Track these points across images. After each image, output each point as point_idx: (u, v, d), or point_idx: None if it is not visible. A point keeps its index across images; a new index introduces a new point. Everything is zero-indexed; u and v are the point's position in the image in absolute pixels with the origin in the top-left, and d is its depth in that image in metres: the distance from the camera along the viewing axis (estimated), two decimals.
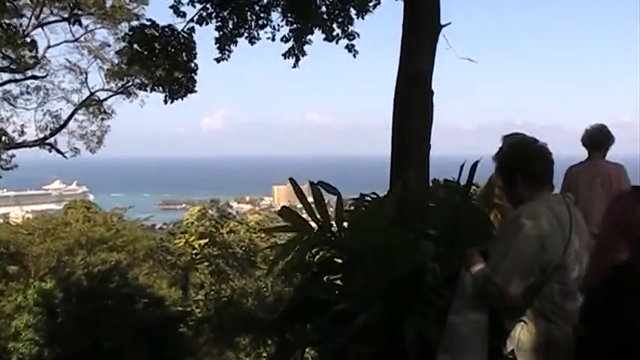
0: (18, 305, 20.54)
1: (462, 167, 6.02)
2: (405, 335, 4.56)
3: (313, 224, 5.49)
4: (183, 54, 14.64)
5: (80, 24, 23.55)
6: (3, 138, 26.67)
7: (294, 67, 15.10)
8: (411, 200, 6.27)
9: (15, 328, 19.94)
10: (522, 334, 3.57)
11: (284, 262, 6.33)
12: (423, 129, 7.19)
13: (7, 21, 15.82)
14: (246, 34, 14.79)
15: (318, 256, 6.42)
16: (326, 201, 5.81)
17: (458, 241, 5.53)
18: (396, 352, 4.74)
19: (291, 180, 5.62)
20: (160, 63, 14.60)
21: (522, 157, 3.86)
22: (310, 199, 5.61)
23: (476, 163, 5.90)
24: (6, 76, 26.92)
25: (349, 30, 14.85)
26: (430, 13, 7.57)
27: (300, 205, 6.05)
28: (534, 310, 3.60)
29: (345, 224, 5.62)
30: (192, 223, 35.48)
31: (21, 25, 21.12)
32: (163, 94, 16.02)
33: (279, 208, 6.54)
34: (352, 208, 6.30)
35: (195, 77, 15.40)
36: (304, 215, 5.87)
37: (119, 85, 27.57)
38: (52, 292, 20.48)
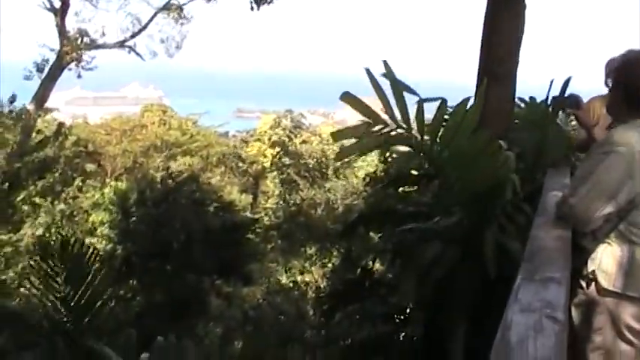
0: (95, 202, 21.21)
1: (550, 84, 5.73)
2: (485, 244, 4.46)
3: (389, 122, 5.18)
4: None
5: None
6: (85, 38, 27.05)
7: None
8: (494, 115, 6.07)
9: (92, 223, 20.67)
10: (605, 255, 3.47)
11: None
12: (512, 43, 6.88)
13: None
14: None
15: (389, 167, 6.29)
16: None
17: (541, 160, 5.35)
18: (474, 261, 4.66)
19: (347, 95, 5.13)
20: None
21: (631, 73, 3.61)
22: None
23: (568, 81, 5.61)
24: None
25: None
26: None
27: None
28: (619, 233, 3.45)
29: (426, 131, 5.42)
30: (266, 131, 35.69)
31: None
32: (249, 1, 15.80)
33: (352, 121, 6.27)
34: (436, 112, 6.02)
35: None
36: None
37: None
38: (128, 192, 21.00)
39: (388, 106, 4.92)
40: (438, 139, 4.74)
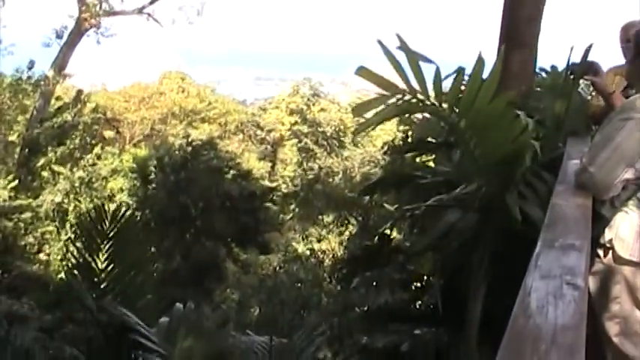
0: (114, 169, 21.36)
1: (571, 50, 5.64)
2: (510, 207, 4.45)
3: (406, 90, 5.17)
4: None
5: None
6: (103, 5, 27.01)
7: None
8: (515, 80, 6.02)
9: (110, 190, 20.84)
10: (622, 224, 3.44)
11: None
12: (535, 6, 6.78)
13: None
14: None
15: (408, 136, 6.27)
16: None
17: (562, 127, 5.30)
18: (493, 229, 4.67)
19: (363, 68, 5.08)
20: None
21: None
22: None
23: (590, 47, 5.51)
24: None
25: None
26: None
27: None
28: (637, 201, 3.44)
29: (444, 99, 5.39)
30: (284, 99, 35.58)
31: None
32: None
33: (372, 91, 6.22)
34: (454, 80, 5.99)
35: None
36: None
37: None
38: (146, 159, 21.12)
39: (404, 75, 4.90)
40: (456, 107, 4.71)
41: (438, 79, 4.66)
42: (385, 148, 19.79)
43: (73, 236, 17.21)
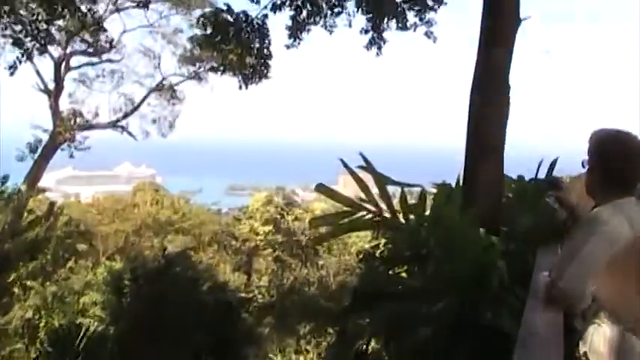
0: (87, 282, 21.03)
1: (539, 164, 5.83)
2: (483, 323, 4.45)
3: (369, 208, 5.34)
4: (257, 40, 14.70)
5: (148, 7, 23.97)
6: (78, 119, 27.38)
7: (378, 55, 15.17)
8: (482, 194, 6.12)
9: (83, 304, 20.44)
10: (595, 336, 3.46)
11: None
12: (499, 122, 6.98)
13: (85, 7, 16.14)
14: (321, 23, 14.81)
15: (381, 247, 6.32)
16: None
17: (531, 239, 5.39)
18: (467, 345, 4.66)
19: (321, 186, 5.37)
20: (233, 48, 14.70)
21: (603, 154, 3.68)
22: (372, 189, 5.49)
23: (555, 161, 5.70)
24: (83, 60, 27.62)
25: (426, 17, 14.78)
26: (511, 6, 7.36)
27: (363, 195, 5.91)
28: (608, 312, 3.46)
29: (411, 215, 5.51)
30: (258, 209, 35.72)
31: (97, 11, 21.48)
32: (237, 81, 16.22)
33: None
34: (419, 198, 6.16)
35: (270, 63, 15.47)
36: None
37: (191, 70, 27.96)
38: (120, 272, 20.88)
39: (369, 193, 5.06)
40: (424, 223, 4.81)
41: (404, 200, 4.80)
42: (360, 256, 19.81)
43: (43, 354, 16.80)
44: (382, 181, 4.90)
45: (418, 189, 5.52)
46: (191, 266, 21.84)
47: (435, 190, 6.17)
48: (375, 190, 5.50)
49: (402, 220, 4.90)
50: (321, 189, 4.96)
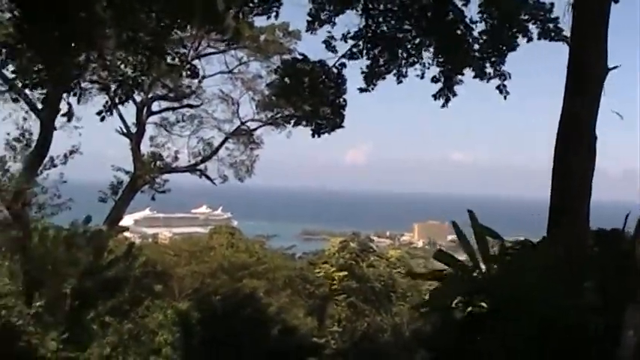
0: (160, 323, 21.30)
1: (626, 217, 5.72)
2: None
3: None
4: (331, 90, 14.75)
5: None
6: (158, 163, 28.04)
7: (444, 106, 14.96)
8: (567, 250, 5.95)
9: (157, 344, 20.70)
10: None
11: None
12: (585, 176, 6.79)
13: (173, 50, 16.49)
14: (395, 71, 14.77)
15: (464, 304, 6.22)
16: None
17: (617, 294, 5.21)
18: None
19: (454, 224, 5.68)
20: (307, 97, 14.81)
21: None
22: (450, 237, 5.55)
23: (627, 215, 5.58)
24: (164, 104, 28.39)
25: (501, 69, 14.54)
26: (599, 55, 7.20)
27: (441, 243, 5.94)
28: None
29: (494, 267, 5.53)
30: (334, 254, 35.61)
31: (183, 54, 22.07)
32: (310, 129, 16.29)
33: (419, 244, 6.42)
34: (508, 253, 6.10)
35: (344, 113, 15.43)
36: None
37: (268, 116, 28.33)
38: (188, 312, 21.09)
39: (473, 256, 5.21)
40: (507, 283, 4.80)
41: (487, 254, 4.85)
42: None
43: None
44: (485, 244, 5.10)
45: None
46: (262, 309, 21.87)
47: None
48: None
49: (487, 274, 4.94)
50: (440, 255, 5.34)
